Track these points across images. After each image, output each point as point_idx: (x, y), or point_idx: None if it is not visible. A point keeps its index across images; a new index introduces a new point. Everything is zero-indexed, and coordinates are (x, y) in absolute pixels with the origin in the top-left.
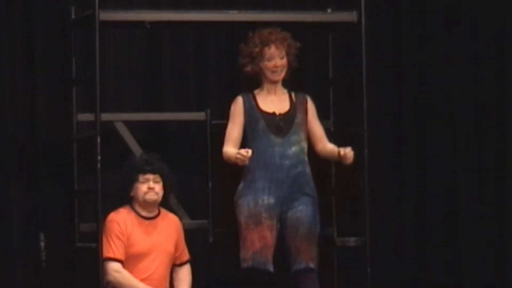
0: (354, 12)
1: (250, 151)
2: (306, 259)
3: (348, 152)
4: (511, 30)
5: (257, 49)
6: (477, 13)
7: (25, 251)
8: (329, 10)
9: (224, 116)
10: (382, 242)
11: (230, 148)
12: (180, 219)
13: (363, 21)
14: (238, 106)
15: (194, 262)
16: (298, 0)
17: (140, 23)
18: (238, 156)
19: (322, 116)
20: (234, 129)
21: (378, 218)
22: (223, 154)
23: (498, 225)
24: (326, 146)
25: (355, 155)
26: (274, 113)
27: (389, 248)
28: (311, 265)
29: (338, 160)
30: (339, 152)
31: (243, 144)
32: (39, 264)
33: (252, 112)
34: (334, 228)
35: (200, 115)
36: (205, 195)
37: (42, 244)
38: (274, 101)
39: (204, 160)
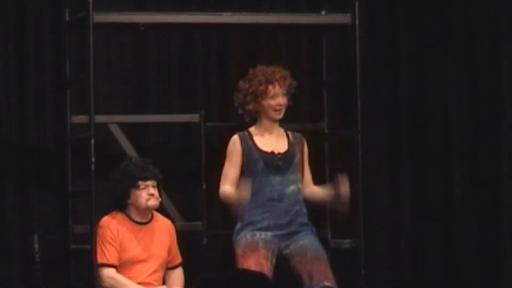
0: (348, 14)
1: (247, 194)
2: (321, 279)
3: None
4: (505, 31)
5: (262, 87)
6: (472, 15)
7: (19, 253)
8: (323, 12)
9: (217, 118)
10: (379, 244)
11: (228, 187)
12: (175, 220)
13: (357, 23)
14: (235, 147)
15: (188, 264)
16: (292, 2)
17: (134, 25)
18: (238, 203)
19: (317, 118)
20: (231, 169)
21: (375, 220)
22: (221, 192)
23: (494, 226)
24: (314, 189)
25: (349, 156)
26: (272, 152)
27: (386, 250)
28: (327, 283)
29: (331, 199)
30: (335, 183)
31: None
32: (33, 266)
33: (250, 152)
34: (328, 230)
35: (194, 117)
36: (199, 197)
37: (36, 246)
38: (271, 140)
39: (198, 162)
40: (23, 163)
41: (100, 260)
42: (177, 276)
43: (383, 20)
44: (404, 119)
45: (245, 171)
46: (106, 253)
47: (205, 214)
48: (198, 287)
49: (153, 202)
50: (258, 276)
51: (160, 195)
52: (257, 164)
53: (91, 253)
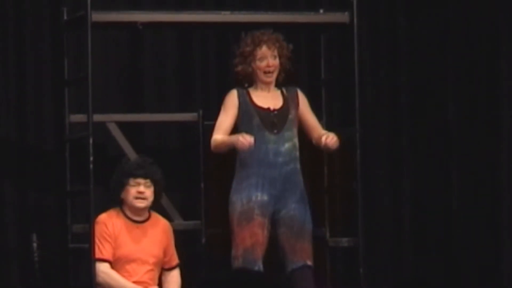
0: (346, 13)
1: (253, 138)
2: (303, 257)
3: (330, 140)
4: (504, 30)
5: (248, 49)
6: (472, 14)
7: (18, 252)
8: (321, 11)
9: (216, 117)
10: (379, 243)
11: (220, 136)
12: (173, 219)
13: (355, 22)
14: (232, 99)
15: (186, 263)
16: (290, 1)
17: (132, 24)
18: (241, 139)
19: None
20: (226, 120)
21: (375, 219)
22: (212, 141)
23: (493, 225)
24: (321, 134)
25: (348, 155)
26: (269, 109)
27: (385, 249)
28: (308, 262)
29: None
30: (322, 141)
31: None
32: (32, 265)
33: (247, 107)
34: (327, 228)
35: (192, 116)
36: (198, 196)
37: (35, 245)
38: (267, 97)
39: (196, 161)
40: (21, 162)
41: (95, 255)
42: (174, 278)
43: (382, 19)
44: (403, 117)
45: (240, 127)
46: (101, 248)
47: (204, 213)
48: (198, 287)
49: (140, 203)
50: (258, 276)
51: (156, 196)
52: (252, 120)
53: (90, 252)
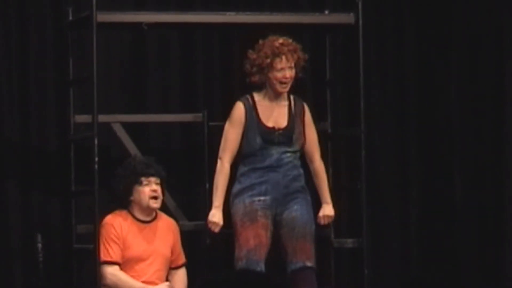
0: (352, 14)
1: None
2: (303, 258)
3: (326, 219)
4: (508, 31)
5: (268, 60)
6: (477, 15)
7: (23, 253)
8: (326, 12)
9: (220, 117)
10: (384, 244)
11: (226, 169)
12: (178, 220)
13: (360, 22)
14: (239, 114)
15: (191, 264)
16: (295, 1)
17: (137, 25)
18: (210, 224)
19: (320, 117)
20: (233, 137)
21: (380, 220)
22: (218, 168)
23: (497, 226)
24: (318, 176)
25: (353, 156)
26: (273, 128)
27: (391, 250)
28: (308, 263)
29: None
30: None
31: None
32: (36, 265)
33: (252, 125)
34: (331, 229)
35: (196, 117)
36: (203, 196)
37: (40, 245)
38: (273, 113)
39: (201, 162)
40: (26, 162)
41: (103, 257)
42: (181, 277)
43: (388, 20)
44: (408, 118)
45: (244, 139)
46: (110, 250)
47: (208, 214)
48: (199, 287)
49: (155, 204)
50: (259, 276)
51: (163, 194)
52: (256, 138)
53: (94, 252)
